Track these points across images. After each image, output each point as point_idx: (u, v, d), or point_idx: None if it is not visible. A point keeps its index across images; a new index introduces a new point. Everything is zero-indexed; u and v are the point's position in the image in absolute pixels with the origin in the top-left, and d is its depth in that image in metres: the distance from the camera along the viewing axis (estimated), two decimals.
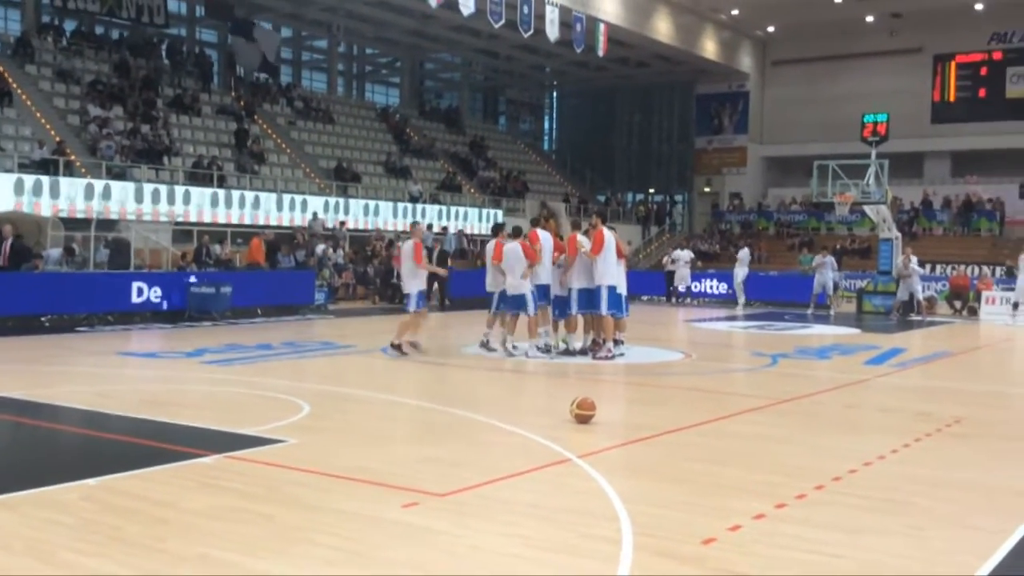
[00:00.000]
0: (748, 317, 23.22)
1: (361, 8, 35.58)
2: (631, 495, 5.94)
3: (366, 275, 25.83)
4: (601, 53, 34.31)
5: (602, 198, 46.33)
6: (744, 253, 26.30)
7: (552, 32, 31.05)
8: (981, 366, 15.07)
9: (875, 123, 26.78)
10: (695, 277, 28.84)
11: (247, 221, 26.37)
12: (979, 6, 38.45)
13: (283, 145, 32.83)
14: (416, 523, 5.29)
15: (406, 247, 13.86)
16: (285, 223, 27.34)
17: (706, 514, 5.59)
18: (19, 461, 6.98)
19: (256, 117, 32.99)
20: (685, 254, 28.12)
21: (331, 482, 6.14)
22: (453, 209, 33.48)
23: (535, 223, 14.22)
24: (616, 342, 13.56)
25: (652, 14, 37.93)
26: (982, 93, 40.58)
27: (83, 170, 24.94)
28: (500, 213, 35.40)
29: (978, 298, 24.94)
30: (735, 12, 40.58)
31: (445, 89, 52.14)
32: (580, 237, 13.34)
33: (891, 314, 23.74)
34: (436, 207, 33.01)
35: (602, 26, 33.64)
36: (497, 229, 14.32)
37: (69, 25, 32.75)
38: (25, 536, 4.95)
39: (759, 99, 45.51)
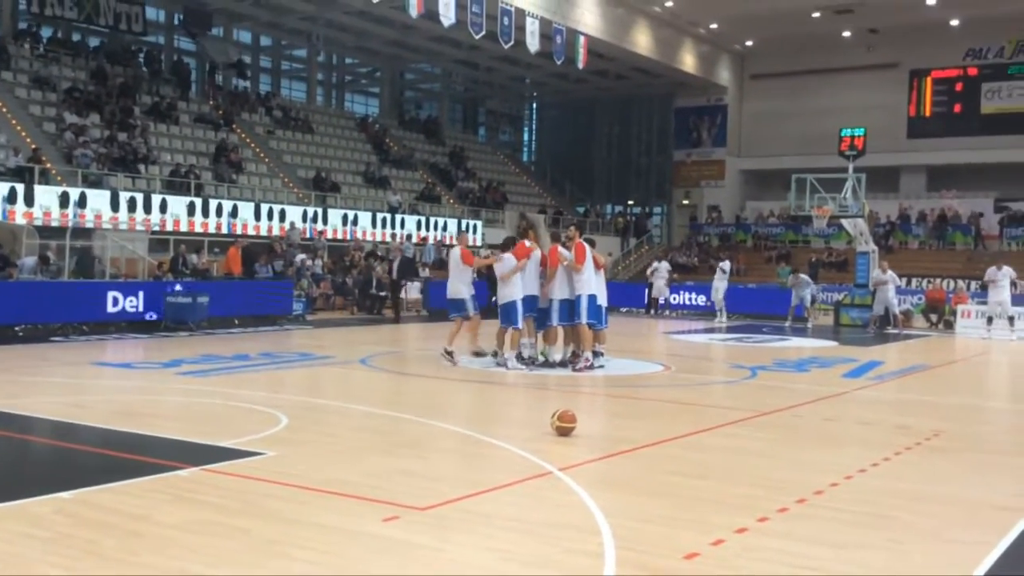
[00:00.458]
0: (727, 330, 23.28)
1: (341, 17, 35.55)
2: (613, 508, 5.91)
3: (345, 285, 25.74)
4: (581, 65, 34.43)
5: (581, 209, 46.43)
6: (726, 265, 26.36)
7: (532, 44, 31.14)
8: (958, 379, 15.16)
9: (852, 137, 26.95)
10: (674, 289, 28.92)
11: (224, 230, 26.21)
12: (955, 22, 38.90)
13: (261, 154, 32.69)
14: (396, 537, 5.24)
15: (454, 253, 13.86)
16: (263, 233, 27.22)
17: (688, 528, 5.57)
18: None
19: (234, 126, 32.84)
20: (663, 266, 28.20)
21: (309, 495, 6.08)
22: (432, 220, 33.44)
23: (522, 235, 14.18)
24: (595, 354, 13.54)
25: (631, 27, 38.12)
26: (957, 108, 41.02)
27: (59, 178, 24.71)
28: (479, 224, 35.42)
29: (954, 312, 25.14)
30: (714, 26, 40.85)
31: (425, 99, 52.15)
32: (561, 249, 13.34)
33: (868, 327, 23.88)
34: (415, 217, 32.97)
35: (582, 39, 33.76)
36: (509, 243, 14.11)
37: (46, 32, 32.50)
38: None
39: (737, 112, 45.79)
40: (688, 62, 42.03)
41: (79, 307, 17.55)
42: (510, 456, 7.52)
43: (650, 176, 48.62)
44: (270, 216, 27.75)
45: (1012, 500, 6.59)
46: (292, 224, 27.67)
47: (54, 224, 22.32)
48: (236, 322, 19.87)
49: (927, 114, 41.71)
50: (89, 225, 22.94)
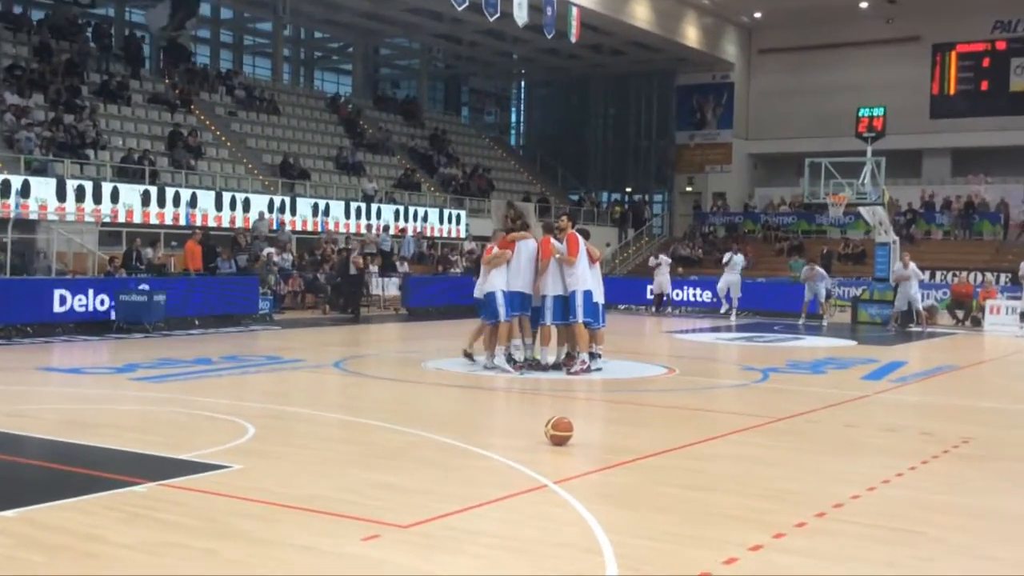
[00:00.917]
0: (735, 328, 23.33)
1: None
2: (614, 525, 5.90)
3: (315, 282, 25.66)
4: (573, 39, 34.40)
5: (574, 197, 46.47)
6: (739, 258, 26.33)
7: (520, 16, 31.05)
8: (987, 381, 15.23)
9: (870, 117, 26.98)
10: (676, 284, 28.97)
11: (182, 222, 26.11)
12: None
13: (223, 138, 32.58)
14: (377, 557, 5.22)
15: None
16: (225, 224, 27.12)
17: (697, 545, 5.57)
18: None
19: (193, 107, 32.72)
20: (664, 259, 28.23)
21: (281, 512, 6.05)
22: (411, 209, 33.40)
23: (511, 225, 14.19)
24: (592, 355, 13.54)
25: None
26: (984, 86, 41.20)
27: None
28: (463, 214, 35.40)
29: (982, 308, 25.25)
30: None
31: (402, 78, 52.07)
32: (554, 241, 13.32)
33: (888, 325, 23.97)
34: (392, 207, 32.92)
35: (575, 10, 33.74)
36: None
37: None
38: None
39: (745, 91, 45.89)
40: (691, 36, 42.09)
41: (22, 307, 17.42)
42: (500, 468, 7.50)
43: (650, 161, 48.68)
44: (232, 206, 27.65)
45: None
46: (261, 214, 27.58)
47: None
48: (196, 322, 19.78)
49: (952, 92, 41.87)
50: (33, 216, 22.80)
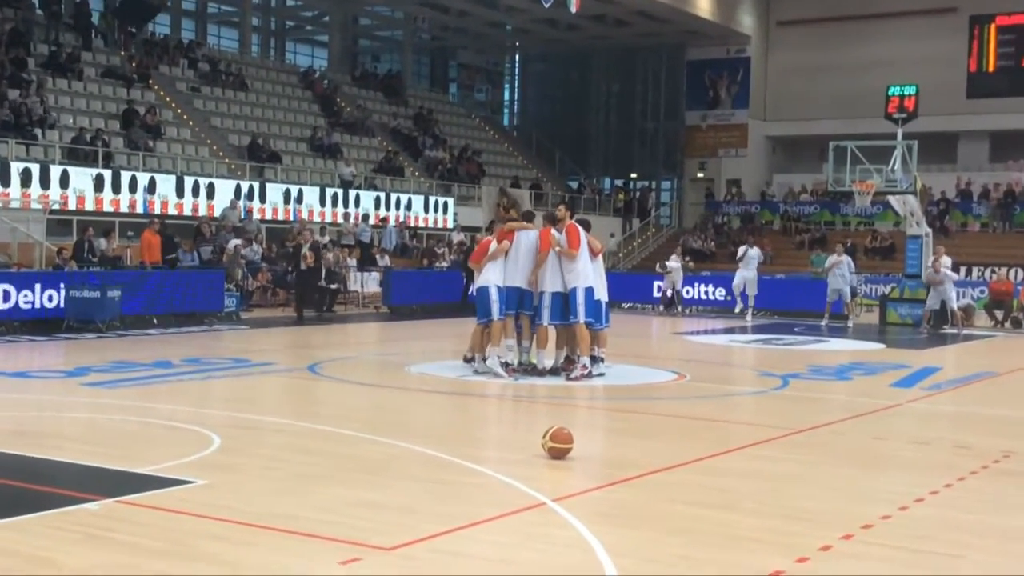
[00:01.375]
0: (752, 329, 23.37)
1: None
2: (619, 547, 5.90)
3: (287, 276, 25.63)
4: (574, 9, 34.43)
5: (574, 184, 46.48)
6: (755, 252, 26.36)
7: None
8: None
9: (902, 97, 27.02)
10: (687, 280, 29.00)
11: (140, 209, 26.05)
12: None
13: (184, 116, 32.52)
14: None
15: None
16: (187, 212, 27.07)
17: (711, 570, 5.58)
18: None
19: (151, 82, 32.64)
20: (671, 265, 28.26)
21: (251, 533, 6.04)
22: (393, 196, 33.37)
23: (504, 214, 14.19)
24: (594, 359, 13.55)
25: None
26: None
27: None
28: (451, 202, 35.40)
29: (1023, 307, 25.30)
30: None
31: (384, 50, 52.06)
32: (554, 232, 13.32)
33: (920, 326, 24.03)
34: (372, 194, 32.89)
35: None
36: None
37: None
38: None
39: (762, 67, 45.93)
40: (703, 5, 42.12)
41: None
42: (493, 484, 7.51)
43: (657, 144, 48.73)
44: (195, 192, 27.59)
45: None
46: (232, 202, 27.50)
47: None
48: (155, 321, 19.77)
49: (991, 69, 41.94)
50: None
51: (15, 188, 23.90)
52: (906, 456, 9.28)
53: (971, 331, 23.86)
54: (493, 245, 13.51)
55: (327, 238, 27.97)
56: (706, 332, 22.83)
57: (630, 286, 29.87)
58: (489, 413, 11.73)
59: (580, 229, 13.39)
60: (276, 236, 28.35)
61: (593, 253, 13.62)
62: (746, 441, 9.39)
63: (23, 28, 30.75)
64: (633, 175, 49.36)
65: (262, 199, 29.30)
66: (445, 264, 29.66)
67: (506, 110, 54.30)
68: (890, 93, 27.30)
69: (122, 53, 33.55)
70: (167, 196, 26.94)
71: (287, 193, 30.17)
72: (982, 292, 27.92)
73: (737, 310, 26.19)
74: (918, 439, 10.05)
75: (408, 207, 33.59)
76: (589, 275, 13.33)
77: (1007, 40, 41.74)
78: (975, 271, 33.63)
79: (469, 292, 15.92)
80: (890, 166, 25.84)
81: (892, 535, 6.37)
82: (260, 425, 9.89)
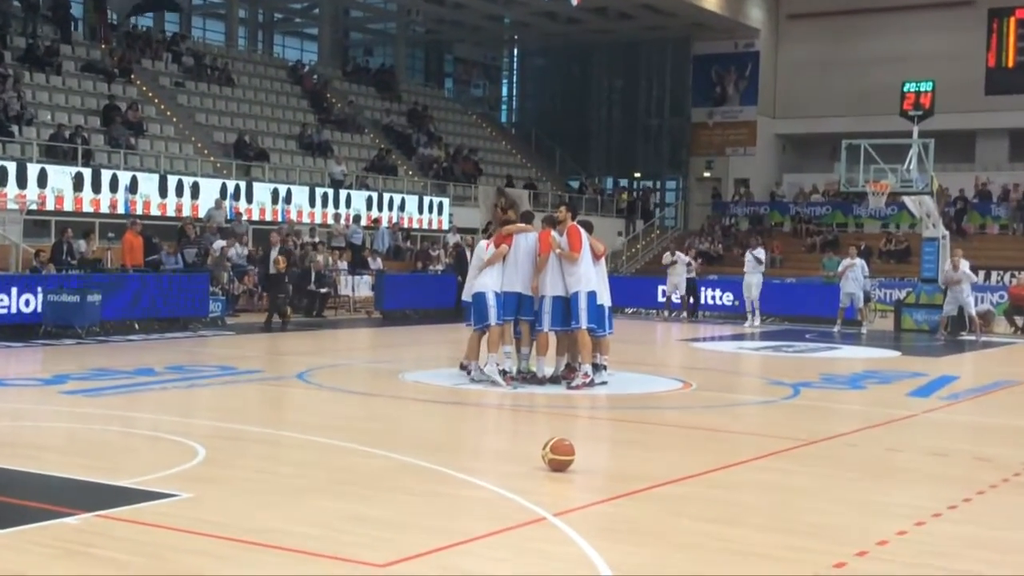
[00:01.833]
0: (761, 336, 23.36)
1: None
2: (623, 564, 5.90)
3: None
4: (575, 2, 34.42)
5: (575, 184, 46.49)
6: (759, 254, 26.36)
7: None
8: None
9: (918, 93, 27.01)
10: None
11: (121, 209, 26.03)
12: None
13: (168, 112, 32.52)
14: None
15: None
16: (170, 212, 27.06)
17: None
18: None
19: (133, 76, 32.64)
20: (679, 257, 28.21)
21: (237, 549, 6.03)
22: (386, 196, 33.36)
23: (501, 216, 14.16)
24: (596, 366, 13.54)
25: None
26: None
27: None
28: (446, 202, 35.39)
29: None
30: None
31: (376, 44, 52.06)
32: (554, 234, 13.31)
33: (937, 332, 24.02)
34: (364, 193, 32.87)
35: None
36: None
37: None
38: None
39: (772, 62, 45.97)
40: None
41: None
42: (491, 498, 7.50)
43: (662, 142, 48.76)
44: (179, 191, 27.58)
45: None
46: (217, 202, 27.49)
47: None
48: (136, 326, 19.75)
49: (1010, 64, 41.96)
50: None
51: None
52: (923, 469, 9.27)
53: (990, 338, 23.87)
54: (491, 249, 13.51)
55: (315, 238, 28.00)
56: (713, 339, 22.82)
57: (634, 290, 29.87)
58: (487, 423, 11.71)
59: (582, 231, 13.37)
60: (263, 238, 28.28)
61: (596, 256, 13.62)
62: (755, 453, 9.38)
63: None
64: (637, 174, 49.37)
65: (249, 199, 29.27)
66: (440, 267, 29.65)
67: (504, 106, 54.34)
68: (905, 89, 27.28)
69: (103, 46, 33.55)
70: (150, 196, 26.92)
71: (275, 193, 30.15)
72: (1001, 297, 27.91)
73: (748, 323, 26.02)
74: (935, 451, 10.04)
75: (401, 208, 33.57)
76: (591, 279, 13.31)
77: None
78: (994, 275, 33.63)
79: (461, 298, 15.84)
80: (905, 165, 25.83)
81: (909, 551, 6.37)
82: (246, 436, 9.88)
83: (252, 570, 5.68)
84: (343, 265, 27.26)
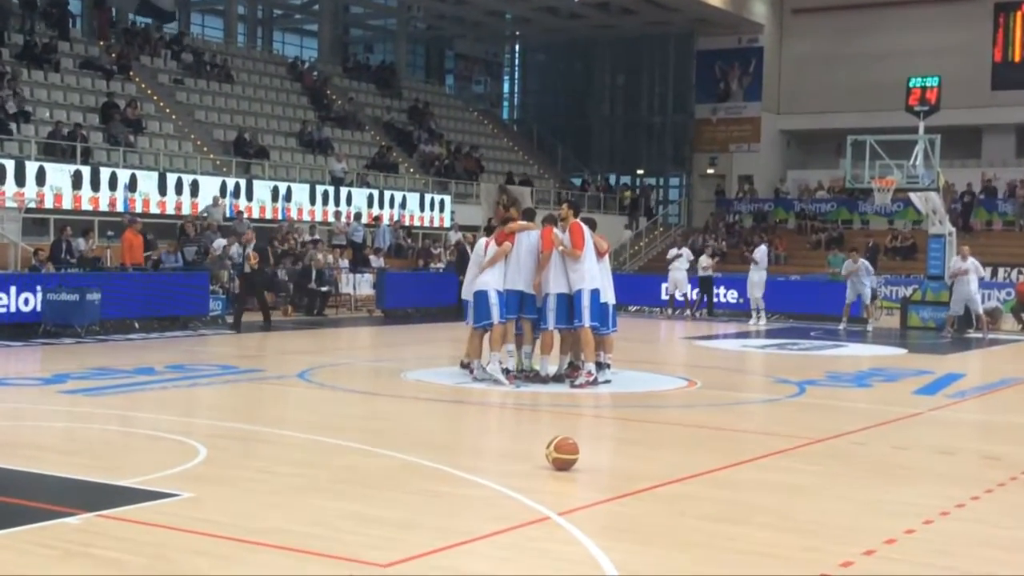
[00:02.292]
0: (766, 334, 23.35)
1: None
2: (628, 564, 5.90)
3: (276, 279, 25.62)
4: None
5: (577, 181, 46.48)
6: (758, 255, 26.38)
7: None
8: None
9: (923, 88, 27.02)
10: (695, 283, 28.92)
11: (120, 207, 26.05)
12: None
13: (167, 110, 32.52)
14: None
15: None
16: (170, 210, 27.08)
17: None
18: None
19: (132, 74, 32.64)
20: (685, 252, 28.20)
21: (238, 549, 6.04)
22: (387, 194, 33.37)
23: (504, 213, 14.15)
24: (600, 365, 13.53)
25: None
26: None
27: None
28: (447, 199, 35.38)
29: None
30: None
31: (376, 40, 52.04)
32: (556, 231, 13.31)
33: (944, 330, 24.01)
34: (365, 191, 32.87)
35: None
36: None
37: None
38: None
39: (776, 57, 45.93)
40: None
41: None
42: (494, 497, 7.49)
43: (665, 139, 48.72)
44: (179, 189, 27.60)
45: None
46: (215, 199, 27.50)
47: None
48: (136, 325, 19.77)
49: (1017, 59, 41.95)
50: None
51: None
52: (930, 467, 9.26)
53: (997, 335, 23.85)
54: (492, 247, 13.50)
55: (315, 237, 28.02)
56: (717, 337, 22.81)
57: (637, 288, 29.84)
58: (490, 422, 11.71)
59: (585, 227, 13.36)
60: (263, 236, 28.29)
61: (599, 253, 13.61)
62: (760, 451, 9.38)
63: None
64: (640, 171, 49.30)
65: (249, 197, 29.29)
66: (441, 265, 29.64)
67: (505, 103, 54.27)
68: (911, 85, 27.29)
69: (101, 43, 33.54)
70: (149, 194, 26.94)
71: (275, 190, 30.17)
72: (1008, 294, 27.88)
73: (752, 321, 26.01)
74: (943, 449, 10.04)
75: (403, 205, 33.57)
76: (595, 276, 13.30)
77: None
78: (1001, 272, 33.55)
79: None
80: (911, 161, 25.81)
81: (917, 550, 6.37)
82: (248, 435, 9.89)
83: (253, 570, 5.68)
84: (344, 263, 27.27)
